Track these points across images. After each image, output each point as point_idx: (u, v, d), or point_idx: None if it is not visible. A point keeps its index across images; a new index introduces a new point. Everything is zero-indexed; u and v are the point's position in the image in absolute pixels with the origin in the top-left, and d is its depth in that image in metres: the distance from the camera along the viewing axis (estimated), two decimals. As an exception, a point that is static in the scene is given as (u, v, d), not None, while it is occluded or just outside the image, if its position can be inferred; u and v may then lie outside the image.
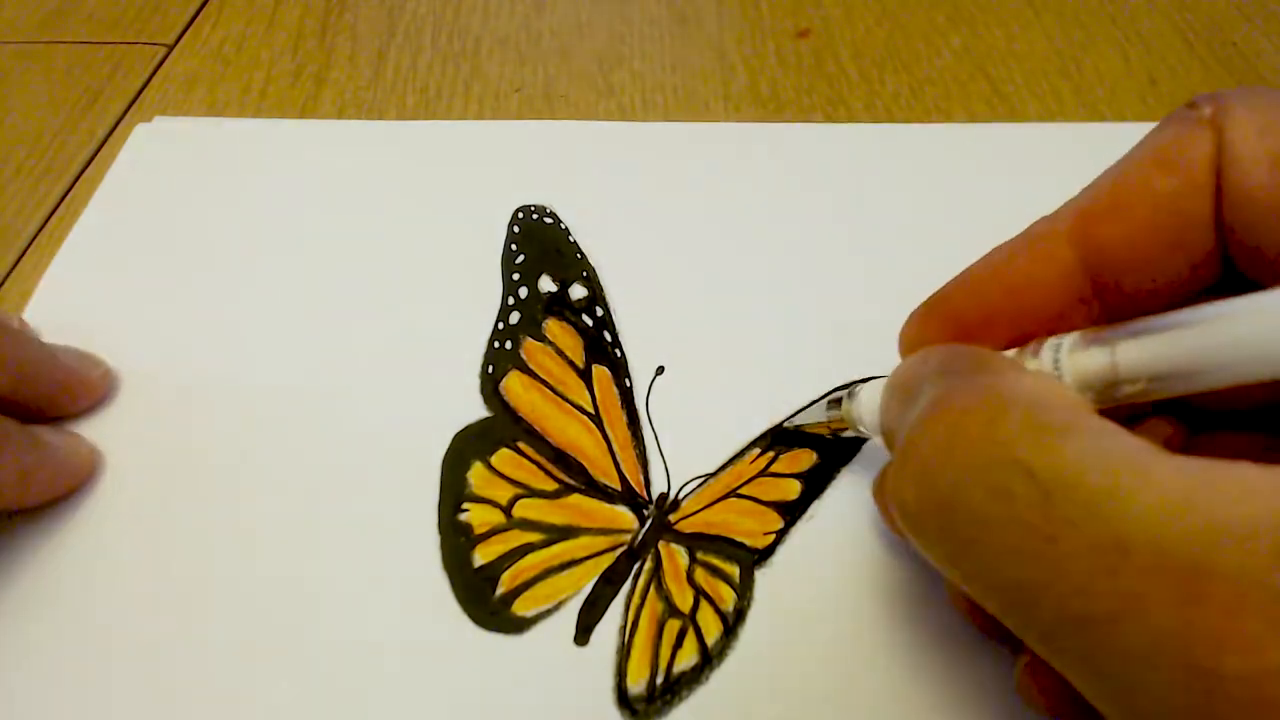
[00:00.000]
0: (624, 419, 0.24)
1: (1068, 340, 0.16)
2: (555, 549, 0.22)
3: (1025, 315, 0.18)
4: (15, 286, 0.28)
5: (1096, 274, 0.17)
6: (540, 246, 0.28)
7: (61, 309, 0.27)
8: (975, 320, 0.18)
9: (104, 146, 0.33)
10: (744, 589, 0.21)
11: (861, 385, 0.20)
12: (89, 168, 0.32)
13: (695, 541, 0.22)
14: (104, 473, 0.23)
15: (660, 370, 0.25)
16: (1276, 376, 0.13)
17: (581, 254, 0.28)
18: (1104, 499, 0.12)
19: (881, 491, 0.21)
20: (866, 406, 0.20)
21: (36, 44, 0.37)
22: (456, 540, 0.22)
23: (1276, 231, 0.15)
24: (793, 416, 0.24)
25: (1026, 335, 0.17)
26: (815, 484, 0.23)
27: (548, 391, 0.25)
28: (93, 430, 0.24)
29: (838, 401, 0.21)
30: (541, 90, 0.35)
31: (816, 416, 0.22)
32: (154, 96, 0.35)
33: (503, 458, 0.24)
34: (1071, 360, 0.15)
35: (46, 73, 0.36)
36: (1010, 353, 0.17)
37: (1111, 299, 0.17)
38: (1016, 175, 0.30)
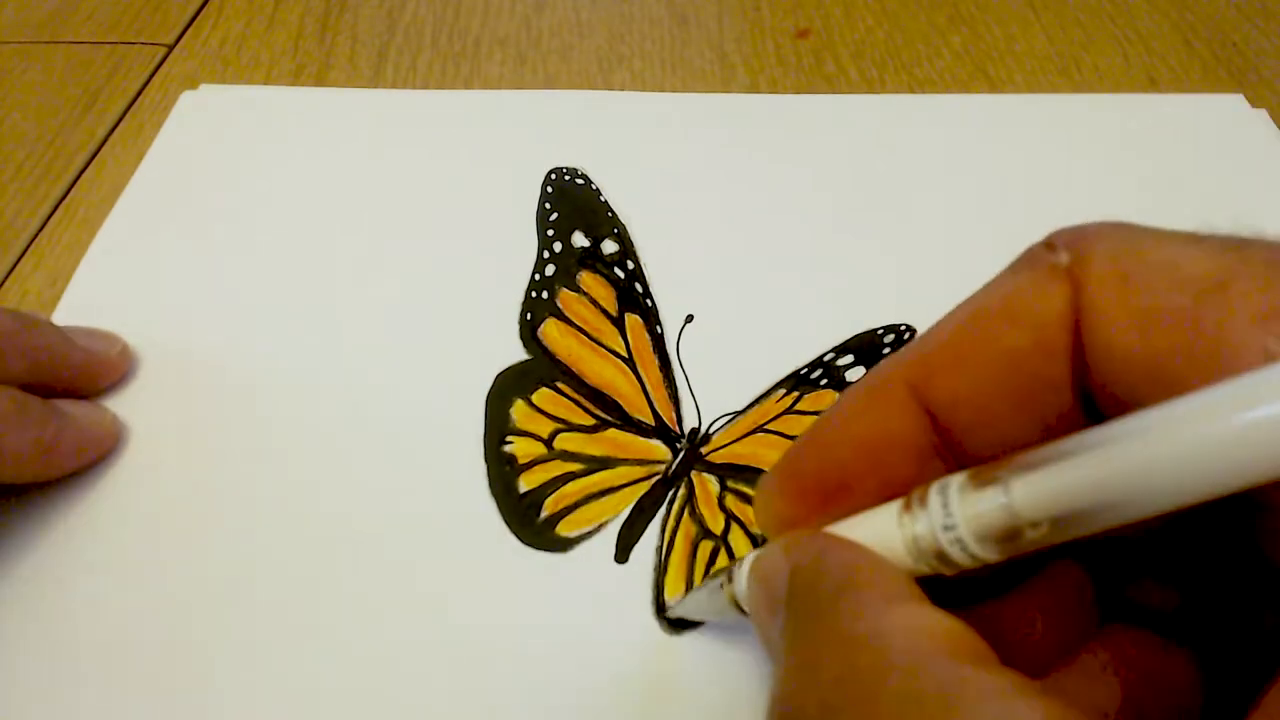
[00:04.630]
0: (656, 362, 0.26)
1: (955, 482, 0.14)
2: (594, 477, 0.24)
3: (881, 472, 0.16)
4: (15, 286, 0.28)
5: (944, 429, 0.15)
6: (573, 205, 0.30)
7: (110, 275, 0.28)
8: (832, 484, 0.16)
9: (104, 146, 0.33)
10: None
11: (740, 563, 0.18)
12: (89, 168, 0.32)
13: (725, 471, 0.24)
14: (169, 436, 0.24)
15: (690, 318, 0.27)
16: (1208, 497, 0.11)
17: (612, 212, 0.29)
18: None
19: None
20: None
21: (36, 44, 0.37)
22: (502, 469, 0.24)
23: (1155, 397, 0.12)
24: (676, 607, 0.22)
25: (889, 492, 0.15)
26: None
27: (583, 337, 0.26)
28: (137, 399, 0.25)
29: (718, 585, 0.19)
30: (542, 90, 0.35)
31: (702, 601, 0.20)
32: (154, 96, 0.35)
33: (543, 396, 0.25)
34: (963, 508, 0.13)
35: (46, 73, 0.36)
36: (891, 507, 0.15)
37: (962, 455, 0.15)
38: (1021, 145, 0.31)
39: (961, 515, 0.13)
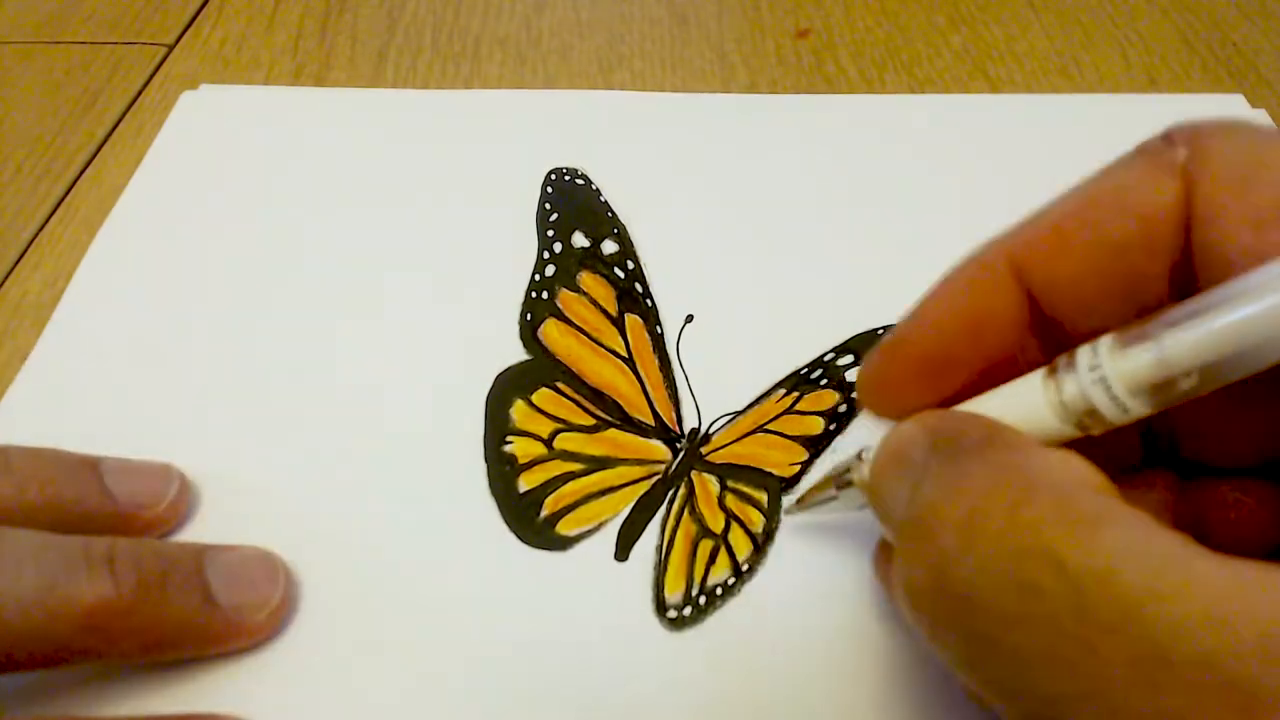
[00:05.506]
0: (656, 362, 0.26)
1: (1104, 343, 0.14)
2: (594, 477, 0.24)
3: (982, 348, 0.16)
4: (15, 286, 0.28)
5: (1037, 309, 0.16)
6: (573, 205, 0.30)
7: (110, 275, 0.28)
8: (938, 360, 0.17)
9: (104, 146, 0.33)
10: (772, 512, 0.23)
11: (867, 449, 0.19)
12: (89, 168, 0.32)
13: (725, 471, 0.24)
14: (168, 435, 0.24)
15: (690, 318, 0.27)
16: None
17: (612, 212, 0.29)
18: (1144, 603, 0.11)
19: (881, 563, 0.20)
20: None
21: (36, 44, 0.37)
22: (502, 468, 0.24)
23: None
24: (796, 499, 0.22)
25: (992, 369, 0.16)
26: (838, 421, 0.24)
27: (583, 337, 0.26)
28: (137, 399, 0.25)
29: (845, 476, 0.20)
30: (542, 90, 0.35)
31: (825, 494, 0.21)
32: (154, 96, 0.35)
33: (543, 396, 0.25)
34: (1116, 363, 0.14)
35: (46, 73, 0.36)
36: (1033, 377, 0.16)
37: (1056, 335, 0.16)
38: (1022, 145, 0.31)
39: (1115, 370, 0.14)
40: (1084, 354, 0.15)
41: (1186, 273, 0.15)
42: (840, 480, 0.20)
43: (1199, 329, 0.13)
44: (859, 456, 0.19)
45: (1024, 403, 0.16)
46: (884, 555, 0.20)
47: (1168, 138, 0.15)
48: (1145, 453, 0.18)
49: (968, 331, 0.17)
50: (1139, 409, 0.14)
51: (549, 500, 0.23)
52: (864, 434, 0.24)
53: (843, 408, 0.25)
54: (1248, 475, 0.17)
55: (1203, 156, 0.14)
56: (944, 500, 0.13)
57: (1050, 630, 0.11)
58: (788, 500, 0.23)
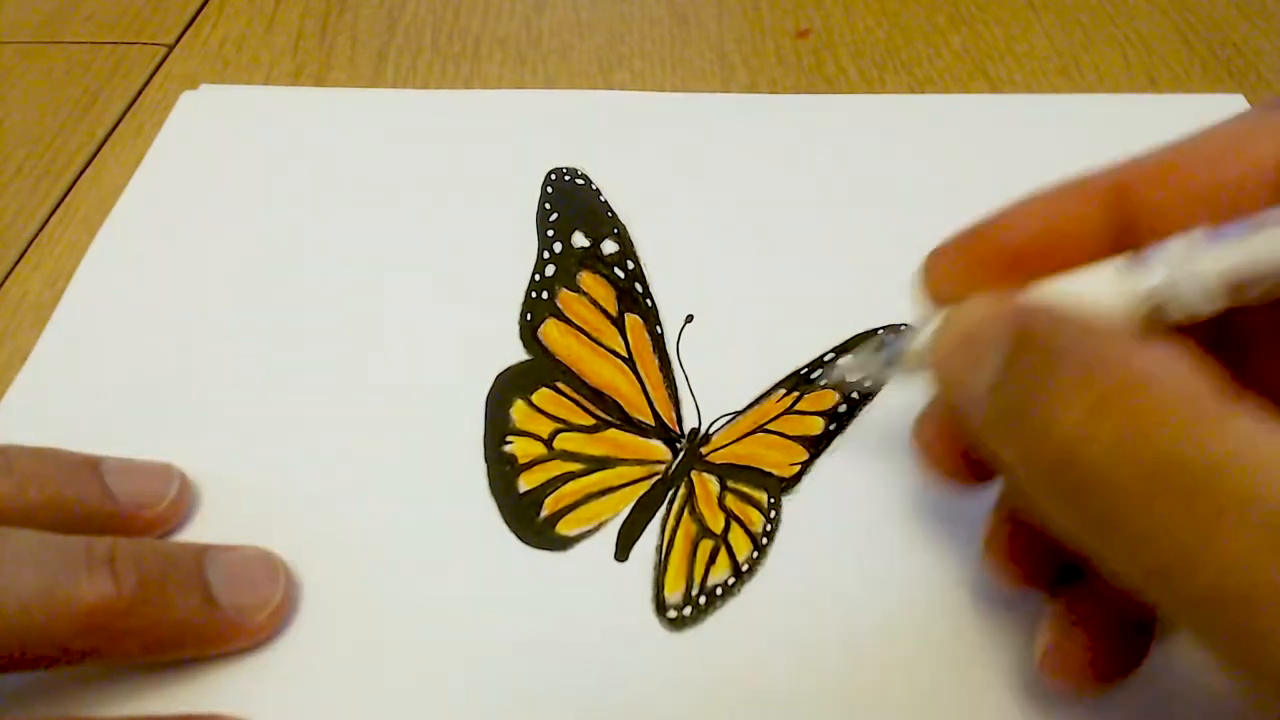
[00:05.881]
0: (656, 362, 0.26)
1: (1177, 245, 0.15)
2: (594, 477, 0.24)
3: (1062, 257, 0.17)
4: (15, 286, 0.28)
5: (1131, 234, 0.17)
6: (573, 205, 0.30)
7: (110, 275, 0.28)
8: (1008, 256, 0.17)
9: (104, 146, 0.33)
10: (772, 512, 0.23)
11: (918, 328, 0.19)
12: (89, 167, 0.32)
13: (725, 471, 0.24)
14: (168, 434, 0.24)
15: (690, 318, 0.27)
16: None
17: (612, 212, 0.29)
18: (1267, 487, 0.12)
19: (924, 429, 0.20)
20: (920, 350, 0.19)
21: (36, 44, 0.37)
22: (502, 469, 0.24)
23: None
24: (822, 371, 0.23)
25: (1052, 275, 0.17)
26: (838, 421, 0.24)
27: (583, 337, 0.26)
28: (136, 399, 0.25)
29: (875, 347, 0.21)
30: (542, 90, 0.35)
31: (865, 363, 0.21)
32: (154, 96, 0.35)
33: (543, 396, 0.25)
34: (1192, 264, 0.15)
35: (46, 73, 0.36)
36: (1106, 265, 0.16)
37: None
38: (1022, 145, 0.31)
39: (1193, 269, 0.15)
40: (1159, 252, 0.15)
41: None
42: (889, 356, 0.20)
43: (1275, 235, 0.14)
44: (902, 334, 0.19)
45: (1098, 290, 0.16)
46: (929, 424, 0.20)
47: None
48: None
49: (1052, 234, 0.17)
50: (1224, 301, 0.15)
51: (549, 500, 0.23)
52: (862, 435, 0.24)
53: (843, 408, 0.25)
54: None
55: None
56: (1067, 389, 0.14)
57: (1182, 506, 0.12)
58: (825, 373, 0.23)
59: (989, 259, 0.18)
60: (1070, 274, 0.17)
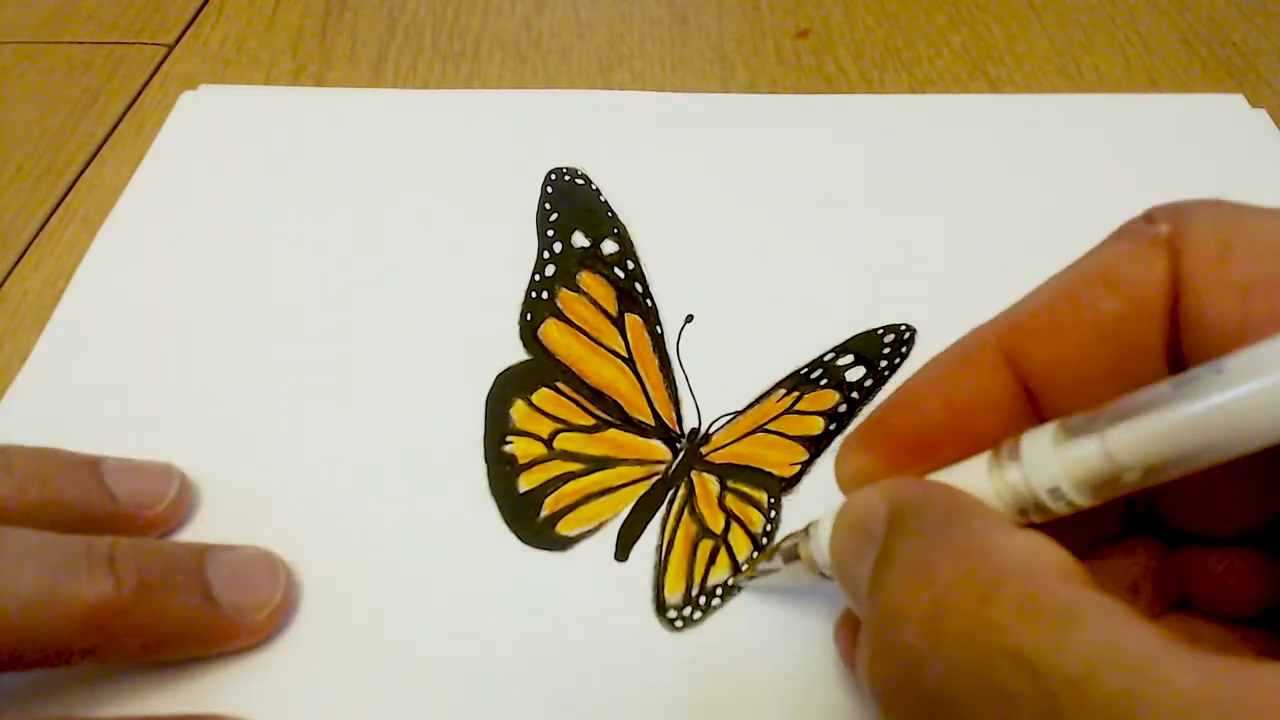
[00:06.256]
0: (656, 362, 0.26)
1: (1046, 434, 0.14)
2: (594, 477, 0.24)
3: (969, 432, 0.16)
4: (15, 286, 0.28)
5: (1033, 393, 0.16)
6: (573, 205, 0.30)
7: (110, 275, 0.28)
8: (915, 442, 0.16)
9: (104, 146, 0.33)
10: (772, 512, 0.23)
11: (815, 523, 0.18)
12: (89, 168, 0.32)
13: (725, 471, 0.24)
14: (167, 435, 0.24)
15: (690, 318, 0.27)
16: None
17: (612, 212, 0.29)
18: (1119, 708, 0.10)
19: (844, 635, 0.19)
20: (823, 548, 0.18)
21: (36, 44, 0.37)
22: (502, 469, 0.24)
23: None
24: (742, 577, 0.22)
25: (975, 452, 0.16)
26: (838, 420, 0.25)
27: (583, 337, 0.26)
28: (136, 400, 0.25)
29: (792, 548, 0.19)
30: (542, 90, 0.35)
31: (770, 565, 0.20)
32: (154, 96, 0.35)
33: (543, 396, 0.25)
34: (1058, 456, 0.14)
35: (46, 73, 0.36)
36: (980, 460, 0.15)
37: (1051, 418, 0.16)
38: (1022, 145, 0.32)
39: (1058, 463, 0.14)
40: (1028, 442, 0.14)
41: (1179, 351, 0.15)
42: (788, 553, 0.19)
43: (1145, 425, 0.13)
44: (806, 531, 0.18)
45: (973, 485, 0.15)
46: (847, 628, 0.19)
47: (1149, 216, 0.15)
48: (1126, 522, 0.18)
49: (953, 413, 0.16)
50: (1082, 501, 0.14)
51: (549, 500, 0.23)
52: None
53: (843, 408, 0.25)
54: (1233, 543, 0.16)
55: (1184, 230, 0.14)
56: (907, 591, 0.13)
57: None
58: (738, 576, 0.22)
59: (898, 446, 0.17)
60: (946, 469, 0.16)
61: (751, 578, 0.21)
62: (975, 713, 0.12)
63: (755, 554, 0.22)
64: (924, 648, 0.12)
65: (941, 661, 0.12)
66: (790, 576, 0.19)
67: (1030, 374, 0.16)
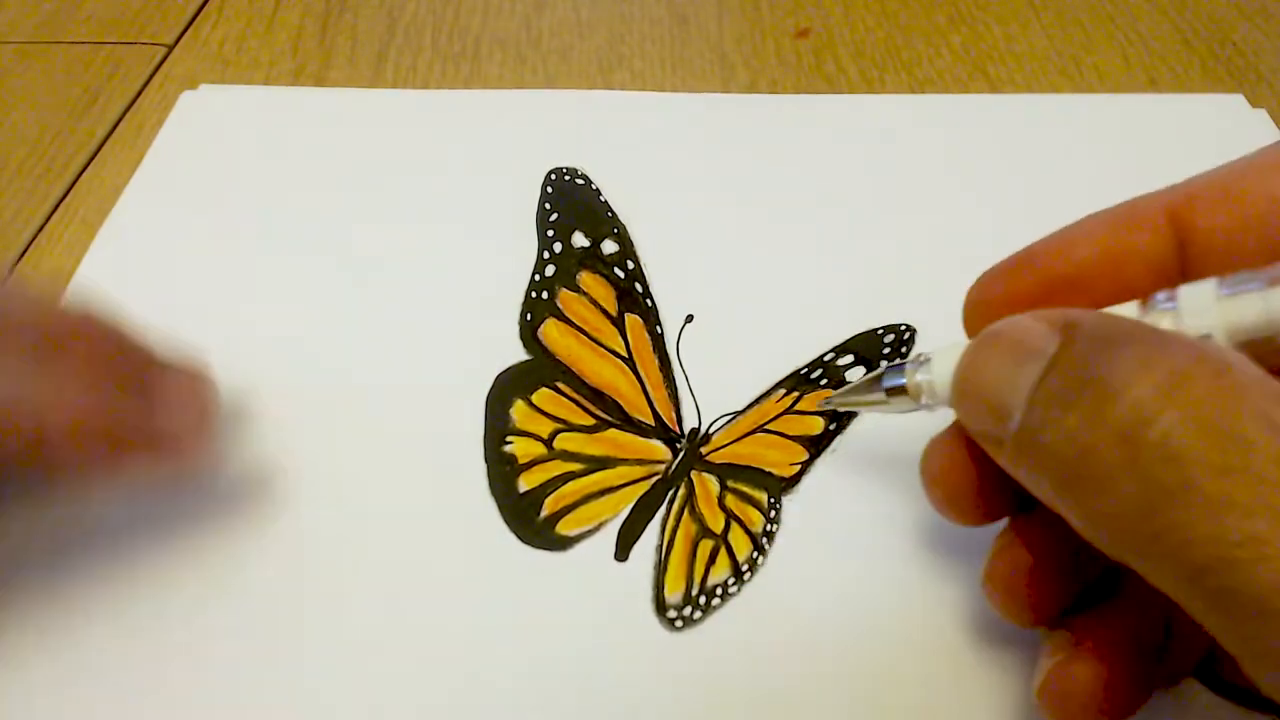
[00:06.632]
0: (656, 362, 0.26)
1: (1208, 285, 0.15)
2: (594, 477, 0.24)
3: (1115, 282, 0.17)
4: (15, 286, 0.28)
5: (1190, 259, 0.16)
6: (573, 205, 0.30)
7: (110, 275, 0.28)
8: (1061, 283, 0.17)
9: (104, 146, 0.33)
10: (772, 512, 0.23)
11: (931, 354, 0.19)
12: (89, 168, 0.32)
13: (726, 471, 0.24)
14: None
15: (690, 318, 0.27)
16: None
17: (612, 212, 0.29)
18: None
19: (932, 466, 0.19)
20: (941, 376, 0.18)
21: (36, 44, 0.37)
22: (502, 469, 0.24)
23: None
24: (833, 397, 0.22)
25: (1117, 301, 0.16)
26: (838, 420, 0.25)
27: (583, 337, 0.26)
28: None
29: (877, 381, 0.20)
30: (542, 90, 0.35)
31: (866, 394, 0.21)
32: (154, 96, 0.35)
33: (543, 396, 0.25)
34: (1219, 305, 0.14)
35: (46, 73, 0.36)
36: (1131, 304, 0.16)
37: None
38: (1022, 145, 0.32)
39: (1218, 312, 0.14)
40: (1186, 293, 0.15)
41: None
42: (892, 387, 0.19)
43: None
44: (917, 359, 0.18)
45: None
46: (939, 455, 0.19)
47: None
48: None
49: (1107, 260, 0.17)
50: None
51: (549, 500, 0.23)
52: (862, 435, 0.24)
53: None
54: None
55: None
56: (1131, 370, 0.13)
57: (1253, 477, 0.12)
58: (827, 400, 0.22)
59: (1040, 286, 0.17)
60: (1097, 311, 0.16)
61: (842, 403, 0.22)
62: (1208, 458, 0.12)
63: (756, 554, 0.22)
64: (1154, 407, 0.13)
65: (1176, 417, 0.13)
66: (885, 405, 0.20)
67: (1194, 239, 0.16)
